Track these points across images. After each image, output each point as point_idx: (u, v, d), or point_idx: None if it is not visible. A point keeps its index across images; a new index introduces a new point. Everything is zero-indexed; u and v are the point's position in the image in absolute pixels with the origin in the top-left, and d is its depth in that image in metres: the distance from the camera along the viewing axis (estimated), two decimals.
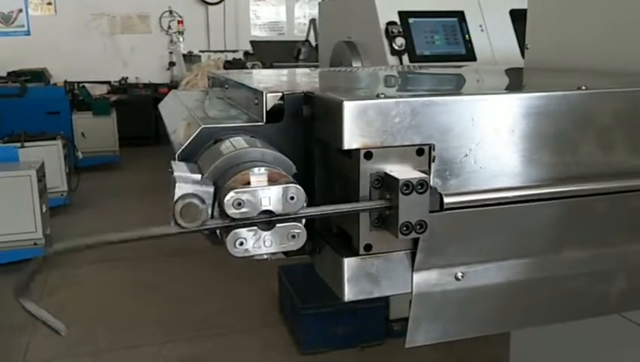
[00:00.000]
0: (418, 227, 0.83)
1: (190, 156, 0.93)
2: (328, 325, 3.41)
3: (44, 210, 4.83)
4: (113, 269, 4.79)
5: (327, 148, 0.95)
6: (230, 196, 0.76)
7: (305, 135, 0.98)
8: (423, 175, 0.84)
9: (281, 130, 0.97)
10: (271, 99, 0.97)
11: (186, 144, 0.93)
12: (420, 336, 0.94)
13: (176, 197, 0.77)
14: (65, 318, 3.52)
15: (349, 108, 0.83)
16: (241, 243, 0.79)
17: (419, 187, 0.82)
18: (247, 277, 4.47)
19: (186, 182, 0.78)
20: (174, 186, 0.78)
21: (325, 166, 0.97)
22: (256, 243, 0.79)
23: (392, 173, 0.84)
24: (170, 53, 9.87)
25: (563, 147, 0.96)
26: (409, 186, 0.82)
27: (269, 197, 0.78)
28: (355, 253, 0.89)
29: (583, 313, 1.10)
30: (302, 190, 0.79)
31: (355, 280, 0.90)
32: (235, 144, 0.88)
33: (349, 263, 0.89)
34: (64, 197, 6.01)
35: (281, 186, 0.78)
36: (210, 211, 0.78)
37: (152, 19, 10.12)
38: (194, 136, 0.93)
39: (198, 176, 0.80)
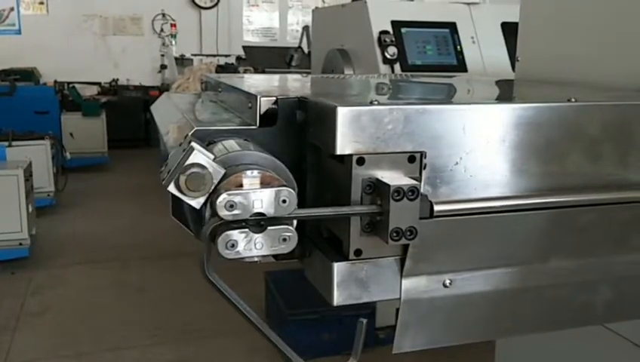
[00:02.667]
0: (408, 233, 0.84)
1: None
2: (314, 331, 3.41)
3: (30, 210, 4.79)
4: (99, 270, 4.76)
5: (319, 153, 0.95)
6: (222, 198, 0.77)
7: (298, 139, 0.98)
8: (414, 182, 0.85)
9: (274, 134, 0.97)
10: (265, 103, 0.97)
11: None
12: (407, 343, 0.95)
13: (189, 162, 0.78)
14: (49, 319, 3.52)
15: (343, 113, 0.84)
16: (233, 246, 0.79)
17: (410, 193, 0.83)
18: (233, 282, 4.45)
19: (203, 154, 0.78)
20: (189, 152, 0.78)
21: (317, 170, 0.97)
22: (247, 245, 0.80)
23: (383, 179, 0.85)
24: (162, 55, 9.85)
25: (552, 158, 0.97)
26: (400, 192, 0.82)
27: (262, 199, 0.78)
28: (344, 257, 0.90)
29: (569, 323, 1.11)
30: (294, 193, 0.80)
31: (344, 285, 0.90)
32: (228, 147, 0.88)
33: (338, 268, 0.89)
34: (51, 198, 5.97)
35: (274, 189, 0.79)
36: (212, 187, 0.79)
37: (144, 21, 10.11)
38: (187, 138, 0.93)
39: (211, 156, 0.80)
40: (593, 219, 1.01)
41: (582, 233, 1.01)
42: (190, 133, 0.93)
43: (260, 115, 0.97)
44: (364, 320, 0.97)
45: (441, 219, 0.89)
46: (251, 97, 1.01)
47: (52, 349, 3.59)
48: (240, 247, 0.80)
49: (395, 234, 0.84)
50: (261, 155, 0.85)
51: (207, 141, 0.93)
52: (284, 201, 0.79)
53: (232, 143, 0.90)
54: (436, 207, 0.88)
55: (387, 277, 0.91)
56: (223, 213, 0.77)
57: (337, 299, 0.91)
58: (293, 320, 3.41)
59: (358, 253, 0.89)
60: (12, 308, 4.05)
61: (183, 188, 0.77)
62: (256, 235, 0.80)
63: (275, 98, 0.98)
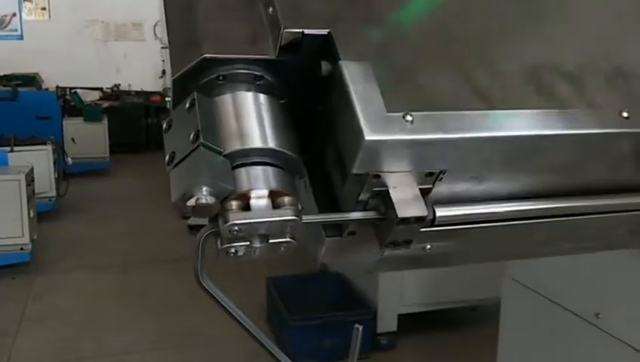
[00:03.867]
0: (403, 243, 0.84)
1: (186, 83, 0.84)
2: (315, 337, 3.41)
3: (31, 215, 4.79)
4: (100, 275, 4.76)
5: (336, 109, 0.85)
6: (228, 226, 0.75)
7: (318, 80, 0.85)
8: (424, 212, 0.81)
9: (292, 68, 0.86)
10: (287, 36, 0.83)
11: (184, 70, 0.84)
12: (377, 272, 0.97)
13: (196, 186, 0.74)
14: (50, 324, 3.52)
15: (368, 146, 0.76)
16: (234, 254, 0.79)
17: (415, 220, 0.81)
18: (234, 287, 4.45)
19: (212, 178, 0.74)
20: (197, 172, 0.74)
21: (330, 135, 0.89)
22: (247, 253, 0.79)
23: (392, 198, 0.81)
24: (164, 61, 9.87)
25: (577, 171, 0.93)
26: (406, 221, 0.80)
27: (267, 227, 0.77)
28: (338, 234, 0.89)
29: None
30: (300, 221, 0.78)
31: (331, 252, 0.90)
32: (238, 129, 0.81)
33: (330, 242, 0.89)
34: (52, 203, 5.97)
35: (281, 219, 0.77)
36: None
37: (146, 27, 10.12)
38: (194, 63, 0.83)
39: (220, 150, 0.76)
40: (595, 225, 1.00)
41: (578, 234, 1.02)
42: (196, 61, 0.82)
43: (281, 46, 0.84)
44: (360, 327, 0.96)
45: (440, 229, 0.88)
46: (274, 23, 0.86)
47: (53, 354, 3.58)
48: (240, 254, 0.79)
49: (390, 244, 0.84)
50: (271, 150, 0.81)
51: (218, 74, 0.84)
52: (289, 226, 0.78)
53: (243, 121, 0.82)
54: (438, 213, 0.85)
55: (372, 247, 0.89)
56: (227, 235, 0.76)
57: (321, 260, 0.92)
58: (294, 325, 3.41)
59: (351, 233, 0.89)
60: (13, 313, 4.05)
61: (189, 212, 0.76)
62: (258, 246, 0.79)
63: (301, 31, 0.83)
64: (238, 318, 0.87)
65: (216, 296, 0.84)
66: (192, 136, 0.77)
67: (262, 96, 0.84)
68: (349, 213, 0.85)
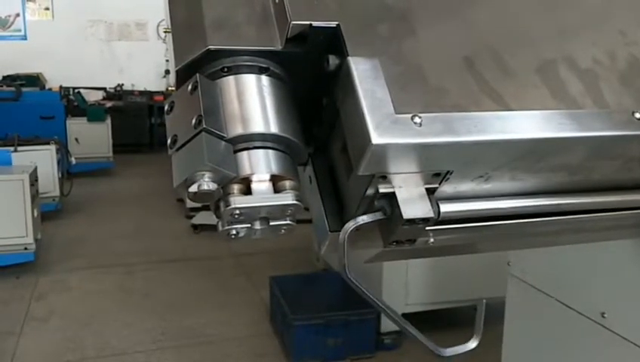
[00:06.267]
0: (407, 241, 0.84)
1: (190, 73, 0.82)
2: (319, 336, 3.40)
3: (35, 214, 4.80)
4: (104, 275, 4.76)
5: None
6: (230, 210, 0.75)
7: (324, 73, 0.82)
8: (430, 213, 0.80)
9: (298, 59, 0.84)
10: (295, 28, 0.80)
11: (187, 61, 0.82)
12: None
13: (199, 173, 0.74)
14: (53, 324, 3.52)
15: (374, 151, 0.74)
16: (235, 236, 0.79)
17: (421, 221, 0.80)
18: (238, 287, 4.45)
19: (214, 165, 0.74)
20: (198, 160, 0.74)
21: (337, 130, 0.87)
22: (247, 233, 0.79)
23: (399, 199, 0.80)
24: (167, 61, 9.88)
25: (586, 170, 0.91)
26: (411, 222, 0.80)
27: (268, 210, 0.77)
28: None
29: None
30: (301, 205, 0.78)
31: (334, 246, 0.90)
32: (241, 114, 0.80)
33: (334, 236, 0.89)
34: (56, 203, 5.98)
35: (281, 203, 0.77)
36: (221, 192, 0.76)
37: (149, 26, 10.14)
38: (198, 55, 0.82)
39: (222, 135, 0.76)
40: (600, 222, 1.00)
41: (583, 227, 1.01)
42: (201, 52, 0.81)
43: (287, 38, 0.82)
44: (484, 300, 0.94)
45: (444, 228, 0.87)
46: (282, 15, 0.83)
47: (57, 354, 3.58)
48: (240, 235, 0.79)
49: (394, 243, 0.83)
50: (273, 135, 0.80)
51: (222, 65, 0.82)
52: (289, 210, 0.78)
53: (245, 105, 0.81)
54: (443, 210, 0.85)
55: (376, 240, 0.88)
56: (229, 219, 0.76)
57: (325, 251, 0.92)
58: (297, 324, 3.40)
59: (356, 228, 0.87)
60: (17, 313, 4.05)
61: (191, 198, 0.76)
62: (258, 228, 0.79)
63: (309, 24, 0.80)
64: (387, 310, 0.87)
65: (363, 289, 0.85)
66: (194, 120, 0.77)
67: (265, 79, 0.83)
68: (356, 218, 0.84)
